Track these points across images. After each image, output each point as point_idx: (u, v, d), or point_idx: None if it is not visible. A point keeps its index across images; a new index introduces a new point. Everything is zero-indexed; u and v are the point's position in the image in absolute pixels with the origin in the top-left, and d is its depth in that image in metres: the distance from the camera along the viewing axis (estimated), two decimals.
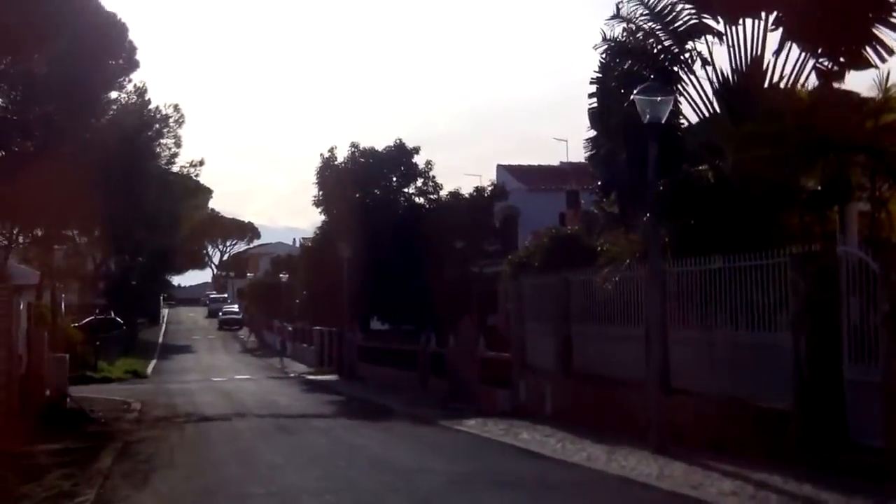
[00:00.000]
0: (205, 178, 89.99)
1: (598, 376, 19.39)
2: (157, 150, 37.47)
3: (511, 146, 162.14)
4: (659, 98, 15.79)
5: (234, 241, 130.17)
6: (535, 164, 55.71)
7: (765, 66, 18.53)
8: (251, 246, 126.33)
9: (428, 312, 39.33)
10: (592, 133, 23.60)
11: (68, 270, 61.59)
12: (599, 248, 22.43)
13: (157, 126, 36.62)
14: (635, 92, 16.22)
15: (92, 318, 61.55)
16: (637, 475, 13.63)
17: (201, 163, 47.50)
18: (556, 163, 55.52)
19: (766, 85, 18.39)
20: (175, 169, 44.21)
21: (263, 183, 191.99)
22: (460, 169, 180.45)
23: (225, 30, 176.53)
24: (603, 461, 15.18)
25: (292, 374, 45.43)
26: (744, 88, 18.37)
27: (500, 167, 54.79)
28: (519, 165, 55.52)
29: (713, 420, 15.39)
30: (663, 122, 16.08)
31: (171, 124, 38.59)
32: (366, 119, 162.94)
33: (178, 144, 40.90)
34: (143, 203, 32.25)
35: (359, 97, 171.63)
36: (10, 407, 21.17)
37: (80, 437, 19.73)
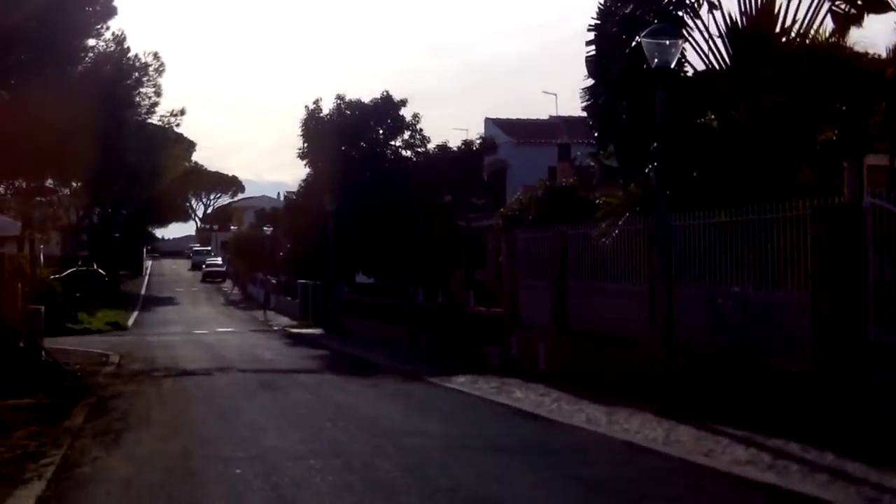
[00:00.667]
0: (188, 131, 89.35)
1: (596, 333, 18.57)
2: (137, 99, 36.25)
3: (498, 102, 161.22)
4: (668, 41, 14.81)
5: (218, 195, 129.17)
6: (524, 118, 54.77)
7: (776, 10, 17.55)
8: (235, 200, 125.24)
9: (415, 267, 38.55)
10: (590, 82, 22.64)
11: (50, 222, 61.24)
12: (597, 202, 21.61)
13: (137, 75, 35.40)
14: (642, 35, 15.31)
15: (73, 269, 60.96)
16: (642, 439, 12.84)
17: (182, 112, 46.11)
18: (545, 117, 54.70)
19: (777, 30, 17.41)
20: (155, 119, 43.09)
21: (248, 137, 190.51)
22: (447, 125, 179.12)
23: None
24: (604, 423, 14.39)
25: (276, 328, 44.60)
26: (754, 34, 17.40)
27: (488, 121, 53.83)
28: (508, 119, 54.57)
29: (721, 382, 14.60)
30: (672, 66, 15.10)
31: (151, 73, 37.38)
32: (351, 74, 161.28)
33: (157, 94, 39.78)
34: (122, 153, 31.17)
35: (343, 52, 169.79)
36: None
37: (53, 392, 18.86)
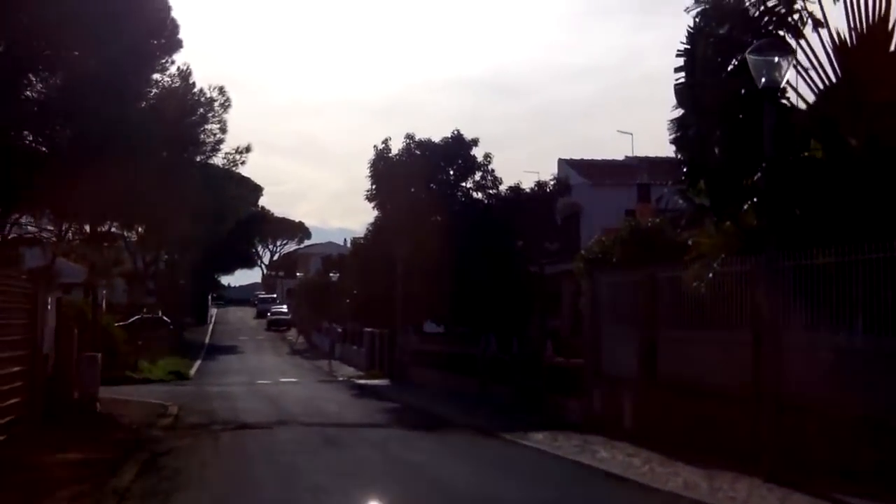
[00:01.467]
0: (253, 174, 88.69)
1: (690, 387, 16.88)
2: (202, 136, 35.13)
3: (569, 144, 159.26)
4: (776, 57, 13.32)
5: (285, 241, 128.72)
6: (598, 158, 53.16)
7: (891, 26, 15.86)
8: (301, 246, 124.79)
9: (487, 315, 37.06)
10: (679, 112, 21.09)
11: (115, 268, 60.78)
12: (689, 242, 19.98)
13: (202, 111, 34.25)
14: (748, 51, 13.76)
15: (138, 316, 60.47)
16: None
17: (248, 149, 44.50)
18: (620, 157, 53.06)
19: (893, 48, 15.73)
20: (220, 157, 41.62)
21: (314, 182, 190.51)
22: (516, 168, 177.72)
23: (272, 13, 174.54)
24: (705, 490, 12.75)
25: (341, 378, 43.30)
26: (866, 53, 15.75)
27: (561, 161, 52.27)
28: (581, 160, 52.91)
29: (839, 443, 12.86)
30: (781, 85, 13.56)
31: (217, 108, 36.08)
32: (417, 117, 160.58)
33: (223, 130, 38.34)
34: (185, 193, 30.10)
35: (409, 95, 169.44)
36: (32, 411, 19.22)
37: (105, 446, 17.61)
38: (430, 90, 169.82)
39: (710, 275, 16.70)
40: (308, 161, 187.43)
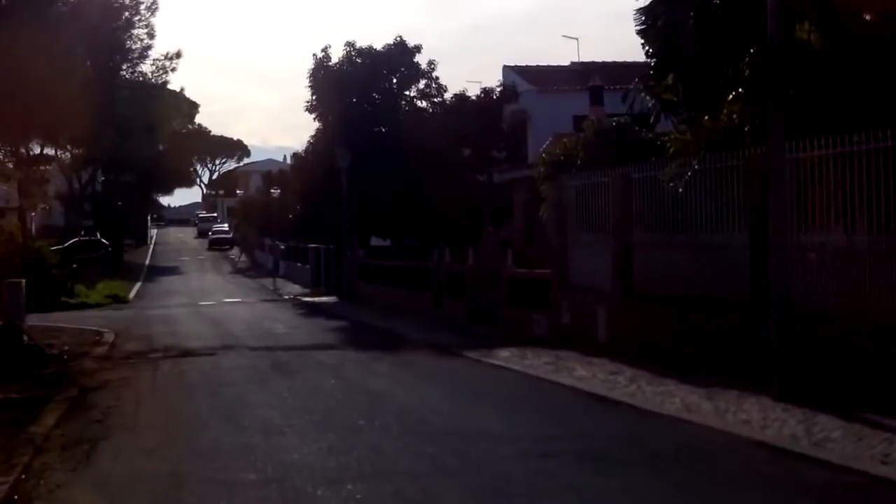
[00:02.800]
0: (190, 93, 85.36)
1: (674, 296, 15.44)
2: (128, 43, 32.35)
3: (511, 56, 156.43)
4: None
5: (224, 160, 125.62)
6: (544, 64, 51.24)
7: None
8: (241, 164, 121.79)
9: (436, 227, 35.47)
10: (646, 1, 19.49)
11: (38, 187, 58.55)
12: (662, 141, 18.50)
13: (127, 14, 31.41)
14: None
15: (75, 239, 58.31)
16: (775, 437, 9.78)
17: (178, 55, 41.18)
18: (566, 63, 51.24)
19: None
20: (148, 64, 38.40)
21: (250, 101, 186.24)
22: (458, 81, 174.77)
23: None
24: (710, 412, 11.37)
25: (287, 296, 41.57)
26: None
27: (506, 69, 50.15)
28: (527, 66, 50.89)
29: (860, 356, 11.48)
30: None
31: (143, 12, 32.98)
32: (354, 33, 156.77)
33: (150, 35, 35.18)
34: (112, 104, 27.66)
35: (346, 10, 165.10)
36: None
37: (29, 383, 15.86)
38: (371, 2, 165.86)
39: (689, 174, 15.22)
40: (242, 79, 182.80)
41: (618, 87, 34.12)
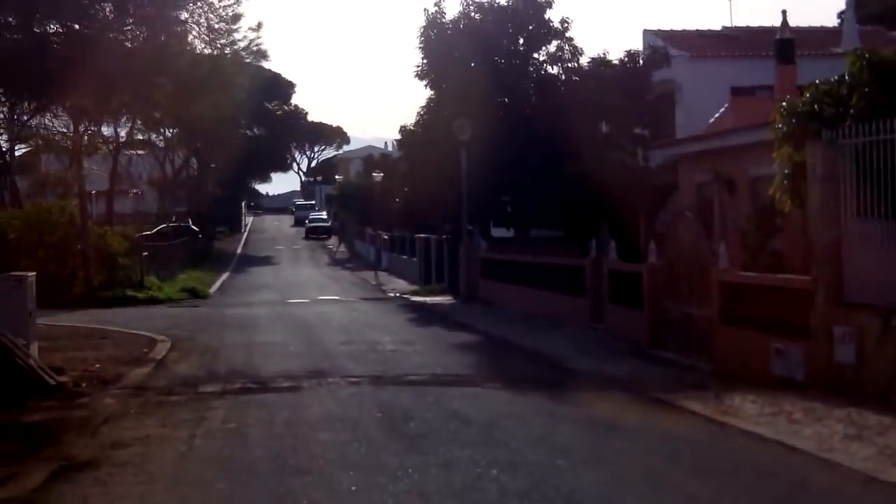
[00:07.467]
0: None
1: None
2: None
3: (648, 20, 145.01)
4: None
5: (322, 147, 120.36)
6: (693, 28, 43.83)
7: None
8: (340, 152, 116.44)
9: (581, 216, 28.72)
10: None
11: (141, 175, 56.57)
12: None
13: None
14: None
15: (163, 225, 53.89)
16: None
17: (259, 26, 36.13)
18: (717, 28, 43.79)
19: None
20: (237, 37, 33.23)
21: (353, 95, 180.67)
22: (589, 46, 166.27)
23: None
24: None
25: (391, 294, 35.26)
26: None
27: (647, 33, 42.59)
28: (672, 30, 43.45)
29: None
30: None
31: None
32: None
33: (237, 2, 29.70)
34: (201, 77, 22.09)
35: None
36: None
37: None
38: None
39: None
40: (346, 73, 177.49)
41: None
